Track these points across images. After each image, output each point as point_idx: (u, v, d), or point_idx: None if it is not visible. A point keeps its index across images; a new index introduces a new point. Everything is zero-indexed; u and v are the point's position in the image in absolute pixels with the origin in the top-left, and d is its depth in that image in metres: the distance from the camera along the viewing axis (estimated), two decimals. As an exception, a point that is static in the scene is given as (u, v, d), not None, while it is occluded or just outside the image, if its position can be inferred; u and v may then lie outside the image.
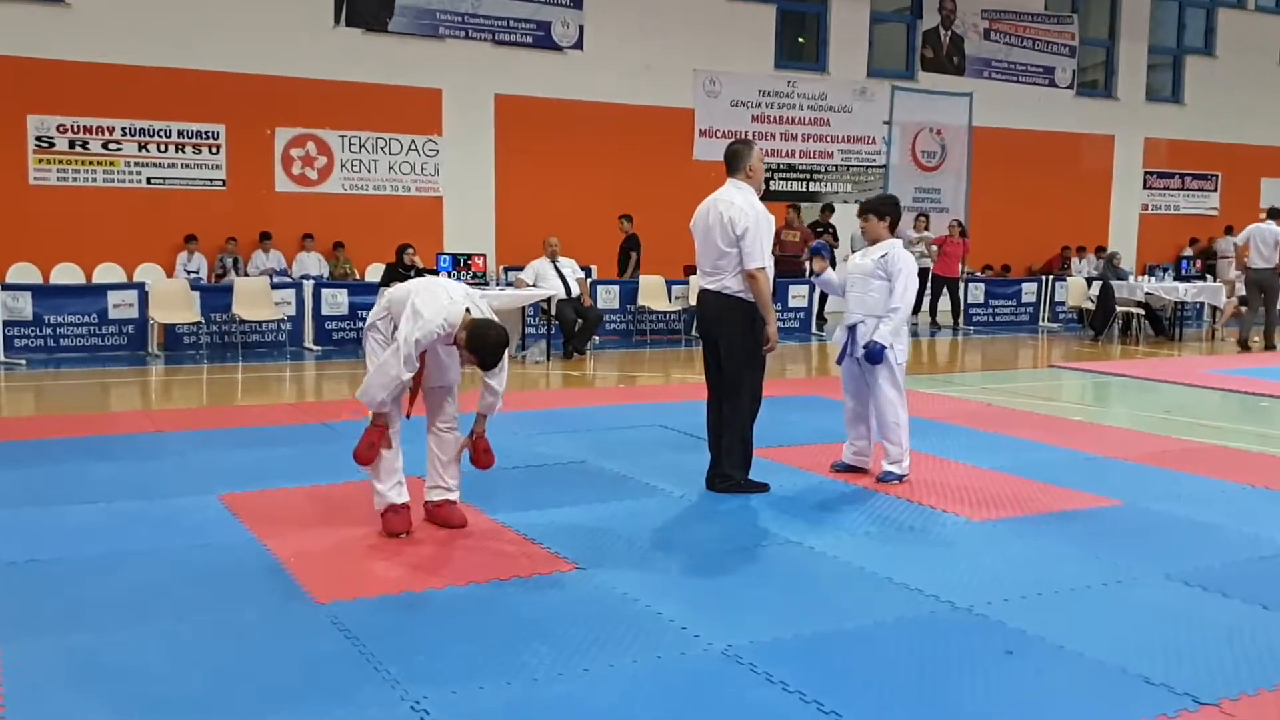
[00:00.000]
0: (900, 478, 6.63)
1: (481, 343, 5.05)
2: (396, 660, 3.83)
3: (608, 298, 14.58)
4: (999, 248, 20.14)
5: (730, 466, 6.37)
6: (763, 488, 6.39)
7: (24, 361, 11.41)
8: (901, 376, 6.71)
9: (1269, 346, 15.31)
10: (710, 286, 6.32)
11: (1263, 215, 15.65)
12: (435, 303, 5.08)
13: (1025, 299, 18.30)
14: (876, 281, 6.64)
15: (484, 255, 13.19)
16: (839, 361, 6.86)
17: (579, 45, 17.28)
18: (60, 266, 14.29)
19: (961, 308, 17.48)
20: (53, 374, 10.92)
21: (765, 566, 5.10)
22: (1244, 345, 15.16)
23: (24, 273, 13.92)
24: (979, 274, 18.83)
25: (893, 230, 6.80)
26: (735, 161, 6.36)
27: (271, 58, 15.26)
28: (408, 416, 5.44)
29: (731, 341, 6.29)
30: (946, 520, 5.88)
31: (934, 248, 17.22)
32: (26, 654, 3.87)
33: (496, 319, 5.27)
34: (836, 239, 17.08)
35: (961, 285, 17.56)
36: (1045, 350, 15.04)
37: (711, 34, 18.20)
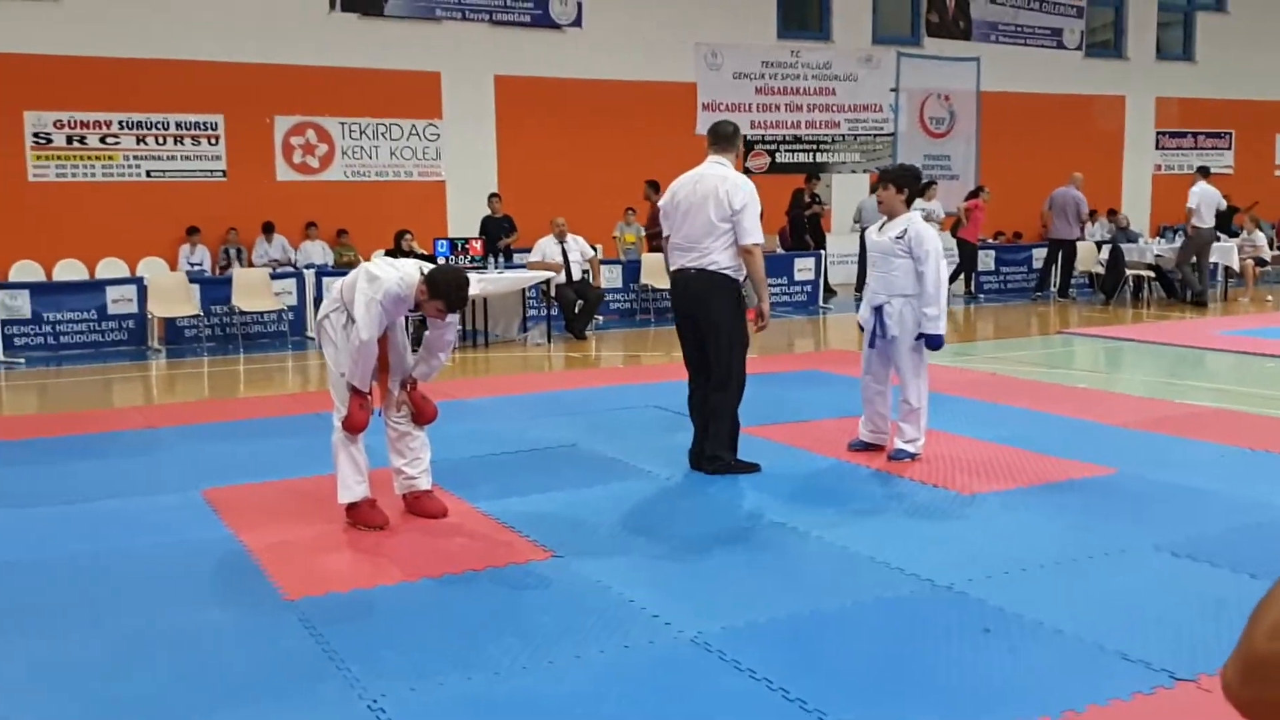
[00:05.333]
0: (913, 456, 6.44)
1: (442, 282, 5.02)
2: (361, 657, 3.77)
3: (610, 277, 14.45)
4: (1010, 214, 19.87)
5: (719, 448, 6.26)
6: (753, 468, 6.27)
7: (23, 360, 11.39)
8: (925, 357, 6.52)
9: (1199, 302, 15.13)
10: (693, 265, 6.16)
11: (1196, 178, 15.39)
12: (387, 269, 5.11)
13: (1036, 265, 18.03)
14: (898, 260, 6.39)
15: (482, 239, 13.11)
16: (870, 345, 6.63)
17: (578, 23, 17.11)
18: (63, 263, 14.29)
19: (974, 275, 17.23)
20: (53, 372, 10.90)
21: (746, 549, 5.01)
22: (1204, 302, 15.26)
23: (26, 270, 13.93)
24: (991, 240, 18.59)
25: (909, 205, 6.57)
26: (732, 140, 6.24)
27: (268, 46, 15.16)
28: (375, 409, 5.37)
29: (720, 322, 6.17)
30: (937, 495, 5.77)
31: (963, 210, 16.80)
32: (-13, 660, 3.84)
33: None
34: (822, 208, 17.00)
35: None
36: (1056, 317, 14.85)
37: (712, 6, 17.99)
